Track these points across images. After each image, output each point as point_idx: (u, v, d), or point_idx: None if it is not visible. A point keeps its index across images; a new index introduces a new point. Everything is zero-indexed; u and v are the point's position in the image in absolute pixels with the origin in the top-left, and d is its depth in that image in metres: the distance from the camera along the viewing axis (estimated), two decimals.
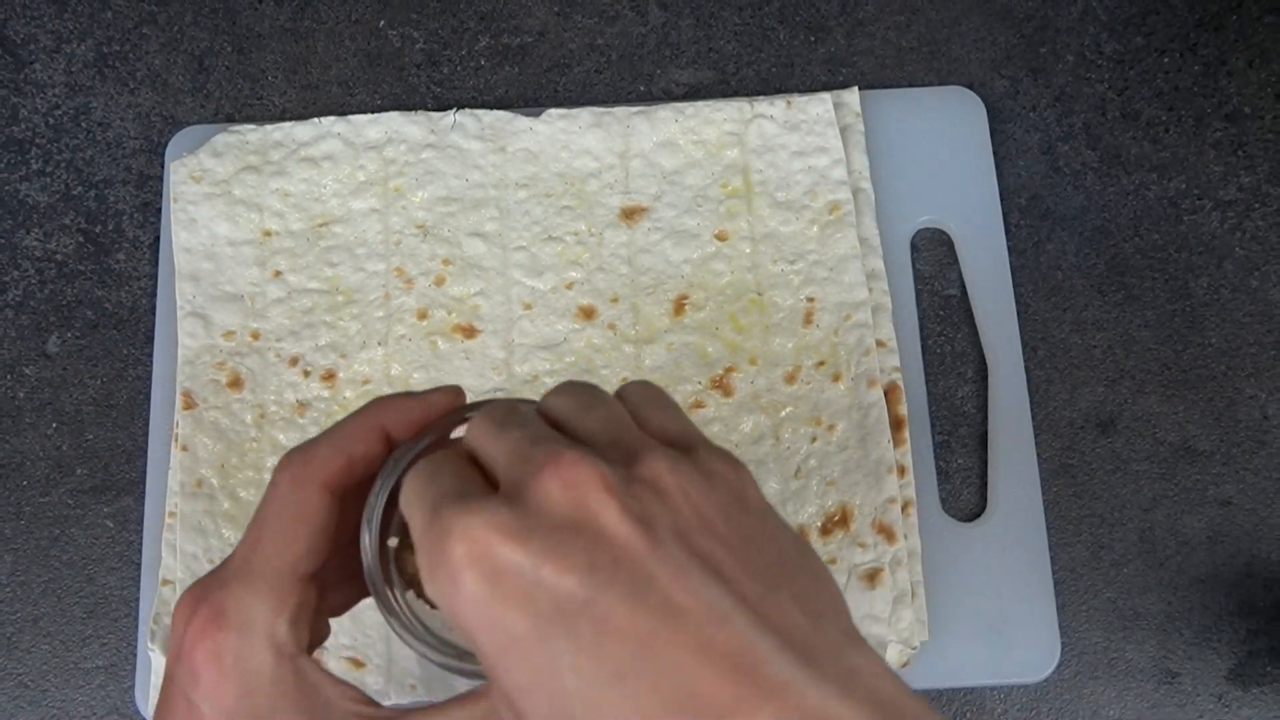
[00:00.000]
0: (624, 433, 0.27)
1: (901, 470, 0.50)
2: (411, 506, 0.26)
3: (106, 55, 0.59)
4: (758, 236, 0.53)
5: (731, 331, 0.52)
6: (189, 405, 0.51)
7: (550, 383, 0.52)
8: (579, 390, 0.29)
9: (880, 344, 0.52)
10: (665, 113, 0.55)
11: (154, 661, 0.48)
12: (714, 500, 0.25)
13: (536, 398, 0.51)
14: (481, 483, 0.26)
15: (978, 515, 0.51)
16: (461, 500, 0.24)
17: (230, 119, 0.58)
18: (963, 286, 0.55)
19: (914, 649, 0.47)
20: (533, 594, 0.22)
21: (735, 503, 0.26)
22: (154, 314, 0.54)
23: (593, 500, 0.23)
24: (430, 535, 0.24)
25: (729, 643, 0.22)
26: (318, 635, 0.31)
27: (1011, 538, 0.50)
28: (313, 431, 0.51)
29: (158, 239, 0.56)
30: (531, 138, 0.55)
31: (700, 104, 0.55)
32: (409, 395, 0.32)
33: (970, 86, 0.57)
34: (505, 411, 0.28)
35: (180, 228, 0.54)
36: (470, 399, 0.52)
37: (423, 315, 0.52)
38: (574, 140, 0.55)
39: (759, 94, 0.57)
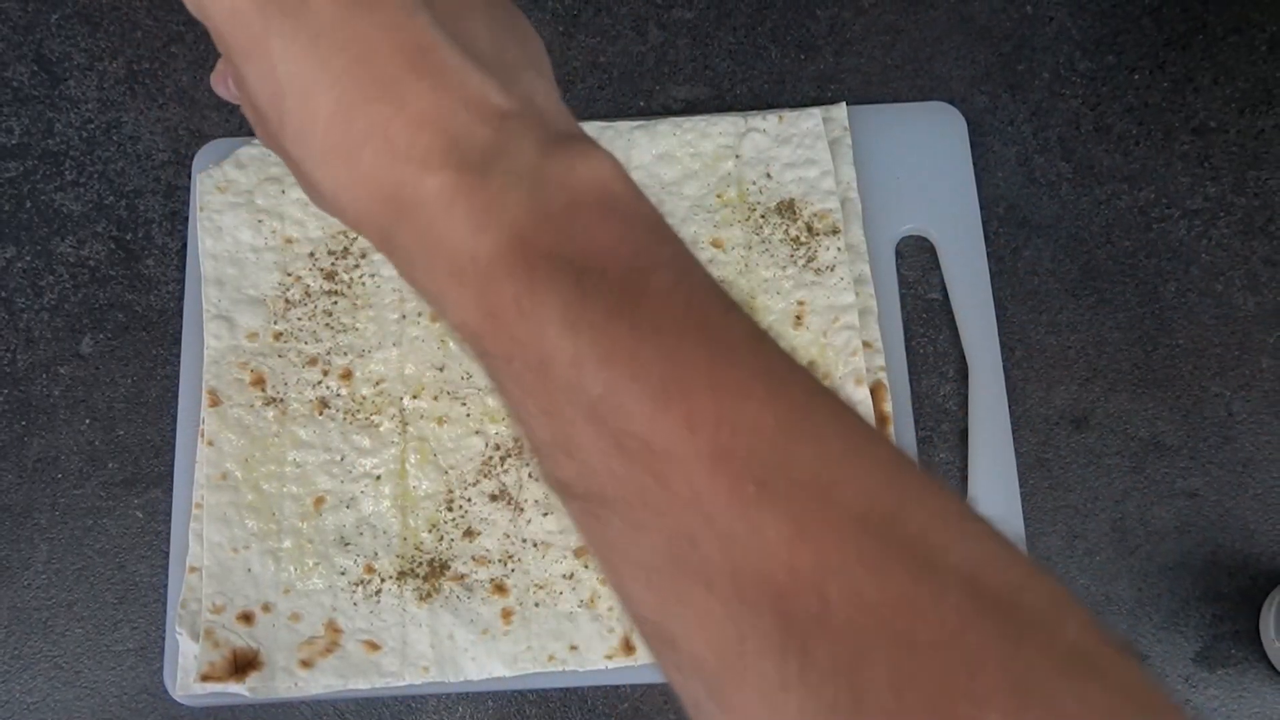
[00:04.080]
0: None
1: None
2: None
3: (137, 73, 0.59)
4: (751, 244, 0.54)
5: None
6: (214, 403, 0.51)
7: None
8: None
9: (866, 345, 0.52)
10: (664, 127, 0.55)
11: (182, 644, 0.48)
12: None
13: None
14: None
15: None
16: None
17: (253, 133, 0.58)
18: (944, 291, 0.55)
19: None
20: None
21: None
22: (181, 317, 0.54)
23: None
24: None
25: (409, 31, 0.24)
26: None
27: None
28: (331, 427, 0.51)
29: (185, 246, 0.56)
30: None
31: (697, 118, 0.55)
32: None
33: (951, 102, 0.57)
34: None
35: (206, 235, 0.54)
36: (478, 397, 0.52)
37: (435, 317, 0.53)
38: None
39: (752, 109, 0.57)
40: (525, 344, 0.22)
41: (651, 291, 0.22)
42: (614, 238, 0.23)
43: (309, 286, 0.53)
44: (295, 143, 0.25)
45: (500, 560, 0.50)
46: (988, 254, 0.55)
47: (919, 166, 0.56)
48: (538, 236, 0.22)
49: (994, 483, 0.51)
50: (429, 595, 0.49)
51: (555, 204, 0.23)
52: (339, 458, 0.51)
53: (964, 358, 0.53)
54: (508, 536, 0.50)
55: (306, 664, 0.48)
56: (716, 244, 0.54)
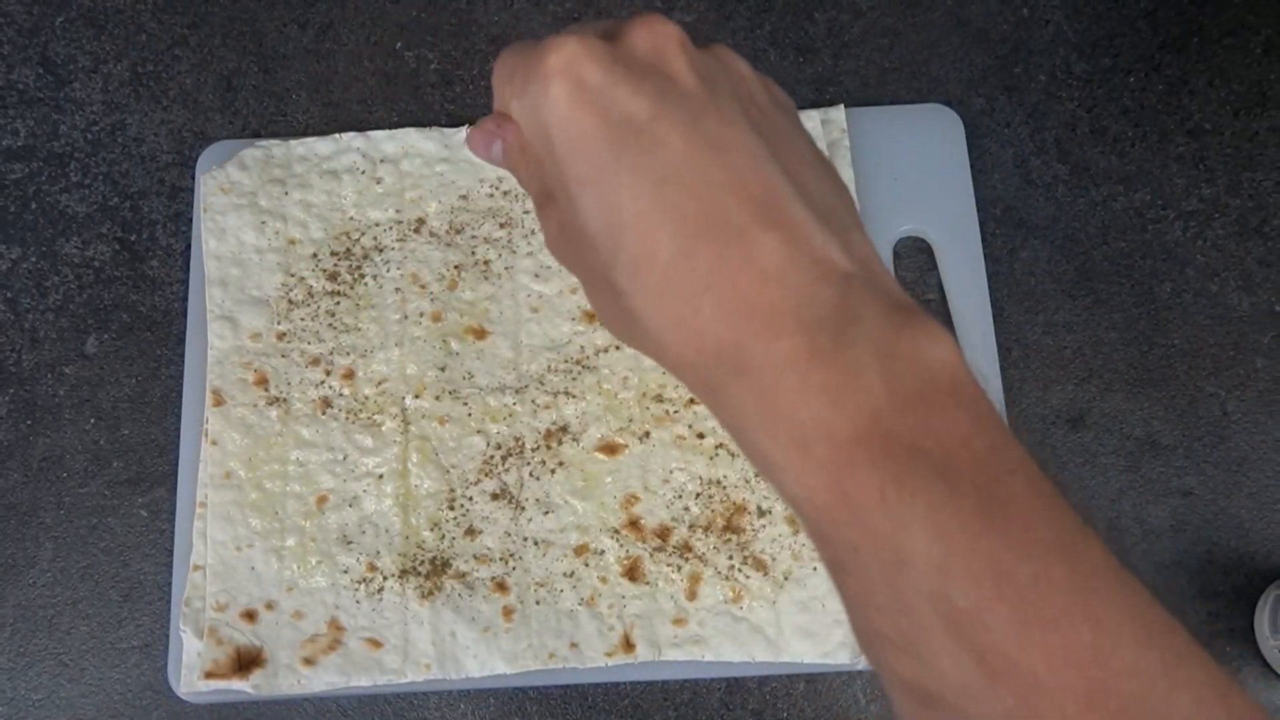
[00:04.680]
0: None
1: None
2: (505, 62, 0.27)
3: (141, 75, 0.59)
4: None
5: None
6: (218, 402, 0.51)
7: (556, 380, 0.52)
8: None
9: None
10: None
11: (186, 642, 0.49)
12: (768, 95, 0.28)
13: (544, 397, 0.52)
14: None
15: None
16: (559, 34, 0.26)
17: (257, 135, 0.58)
18: (942, 291, 0.55)
19: None
20: (607, 105, 0.24)
21: (782, 109, 0.28)
22: (185, 317, 0.55)
23: (670, 51, 0.25)
24: (526, 60, 0.26)
25: (758, 180, 0.24)
26: None
27: None
28: (333, 426, 0.51)
29: (189, 247, 0.56)
30: None
31: None
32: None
33: (949, 104, 0.57)
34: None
35: (210, 236, 0.54)
36: (480, 396, 0.52)
37: (436, 318, 0.53)
38: None
39: None
40: (882, 537, 0.21)
41: (1014, 500, 0.21)
42: (968, 430, 0.22)
43: (312, 287, 0.53)
44: (628, 276, 0.24)
45: (501, 559, 0.50)
46: (985, 255, 0.55)
47: (917, 168, 0.56)
48: (898, 422, 0.21)
49: None
50: (431, 593, 0.49)
51: (911, 386, 0.22)
52: (341, 457, 0.51)
53: None
54: (509, 535, 0.50)
55: (309, 661, 0.48)
56: None
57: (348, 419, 0.52)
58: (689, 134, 0.24)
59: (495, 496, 0.51)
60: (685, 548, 0.49)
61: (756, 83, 0.28)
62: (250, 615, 0.49)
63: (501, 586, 0.49)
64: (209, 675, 0.47)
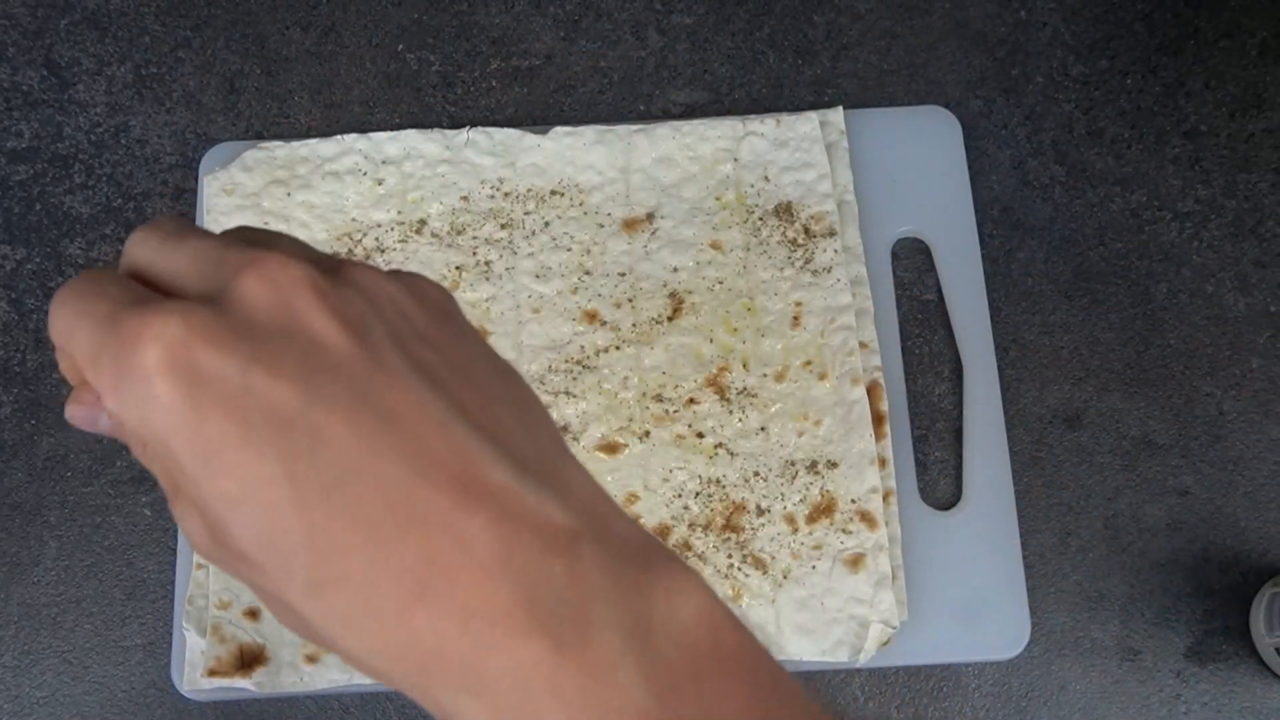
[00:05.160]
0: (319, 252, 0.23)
1: (882, 462, 0.50)
2: (73, 327, 0.21)
3: (144, 77, 0.59)
4: (749, 246, 0.54)
5: (725, 334, 0.53)
6: None
7: (556, 380, 0.52)
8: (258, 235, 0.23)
9: (863, 345, 0.52)
10: (664, 130, 0.55)
11: (189, 640, 0.49)
12: (425, 312, 0.22)
13: (545, 396, 0.52)
14: (158, 295, 0.21)
15: (953, 504, 0.51)
16: (142, 305, 0.20)
17: (259, 136, 0.58)
18: (939, 292, 0.55)
19: (894, 628, 0.48)
20: (241, 402, 0.19)
21: (444, 317, 0.23)
22: None
23: (301, 302, 0.20)
24: (111, 344, 0.20)
25: (447, 449, 0.20)
26: None
27: (985, 525, 0.50)
28: None
29: None
30: (539, 154, 0.55)
31: (696, 122, 0.56)
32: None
33: (947, 106, 0.58)
34: (175, 223, 0.23)
35: None
36: None
37: None
38: (579, 156, 0.55)
39: (750, 113, 0.57)
40: None
41: None
42: (742, 701, 0.20)
43: None
44: (312, 600, 0.19)
45: None
46: (982, 255, 0.55)
47: (915, 169, 0.56)
48: (668, 716, 0.19)
49: (988, 481, 0.51)
50: None
51: (674, 667, 0.19)
52: None
53: (959, 358, 0.54)
54: None
55: (312, 659, 0.48)
56: (715, 246, 0.54)
57: None
58: (352, 415, 0.19)
59: None
60: (685, 546, 0.50)
61: (407, 299, 0.22)
62: (253, 613, 0.49)
63: None
64: (212, 673, 0.48)
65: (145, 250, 0.22)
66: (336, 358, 0.20)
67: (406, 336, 0.21)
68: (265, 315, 0.20)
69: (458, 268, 0.54)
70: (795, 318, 0.52)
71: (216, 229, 0.53)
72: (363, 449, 0.19)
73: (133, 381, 0.19)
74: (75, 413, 0.23)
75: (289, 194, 0.55)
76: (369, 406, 0.20)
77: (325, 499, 0.19)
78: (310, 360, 0.20)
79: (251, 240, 0.22)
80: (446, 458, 0.20)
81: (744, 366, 0.52)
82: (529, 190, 0.55)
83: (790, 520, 0.50)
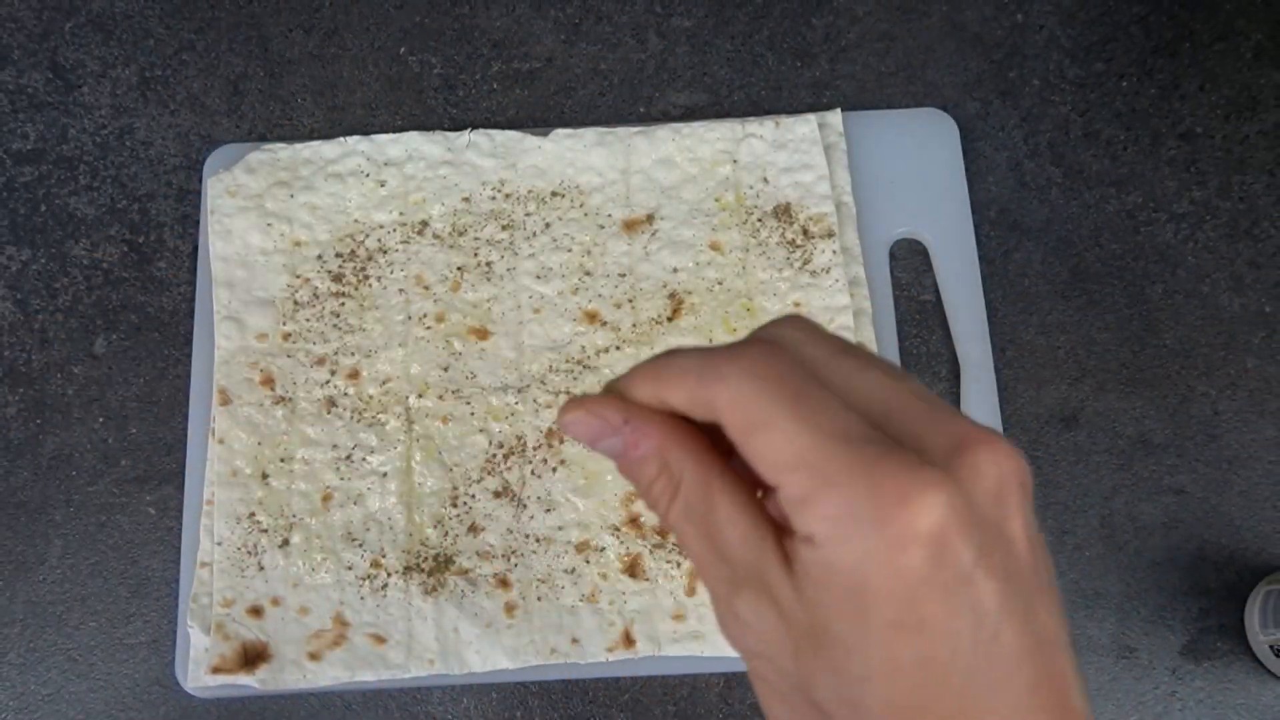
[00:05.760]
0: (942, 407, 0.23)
1: None
2: (801, 436, 0.21)
3: (149, 79, 0.60)
4: (748, 246, 0.54)
5: (724, 333, 0.53)
6: (225, 401, 0.52)
7: (557, 379, 0.52)
8: (875, 359, 0.24)
9: (861, 346, 0.52)
10: (663, 132, 0.55)
11: (193, 637, 0.49)
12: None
13: (545, 396, 0.52)
14: (893, 442, 0.22)
15: None
16: (891, 454, 0.21)
17: (263, 138, 0.58)
18: (937, 292, 0.55)
19: None
20: (959, 590, 0.20)
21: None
22: (193, 318, 0.55)
23: (1012, 500, 0.21)
24: (870, 482, 0.20)
25: (1061, 678, 0.21)
26: None
27: None
28: (338, 425, 0.52)
29: (196, 249, 0.56)
30: (540, 155, 0.55)
31: (695, 124, 0.56)
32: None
33: (944, 108, 0.58)
34: (838, 340, 0.24)
35: (217, 238, 0.54)
36: (482, 396, 0.53)
37: (440, 318, 0.53)
38: (579, 158, 0.55)
39: (750, 115, 0.57)
40: None
41: None
42: None
43: (317, 288, 0.54)
44: None
45: (503, 555, 0.50)
46: (979, 256, 0.55)
47: (912, 171, 0.56)
48: None
49: None
50: (434, 589, 0.49)
51: None
52: (346, 455, 0.51)
53: (956, 358, 0.54)
54: (511, 532, 0.50)
55: (314, 656, 0.48)
56: (715, 247, 0.54)
57: (352, 418, 0.52)
58: (1021, 629, 0.20)
59: (497, 494, 0.51)
60: None
61: (1031, 505, 0.23)
62: (256, 611, 0.49)
63: (504, 583, 0.50)
64: (216, 670, 0.48)
65: (819, 353, 0.23)
66: (1020, 565, 0.21)
67: (1047, 555, 0.22)
68: (987, 504, 0.21)
69: (459, 268, 0.54)
70: None
71: (220, 230, 0.54)
72: (1021, 664, 0.20)
73: (891, 534, 0.20)
74: (579, 420, 0.24)
75: (292, 195, 0.55)
76: (1030, 627, 0.21)
77: (963, 691, 0.20)
78: (1009, 564, 0.21)
79: (868, 360, 0.23)
80: (1059, 687, 0.21)
81: None
82: (530, 191, 0.55)
83: None
